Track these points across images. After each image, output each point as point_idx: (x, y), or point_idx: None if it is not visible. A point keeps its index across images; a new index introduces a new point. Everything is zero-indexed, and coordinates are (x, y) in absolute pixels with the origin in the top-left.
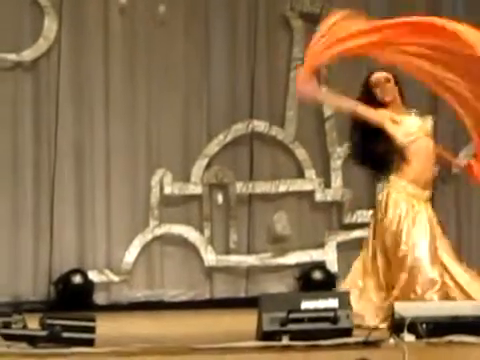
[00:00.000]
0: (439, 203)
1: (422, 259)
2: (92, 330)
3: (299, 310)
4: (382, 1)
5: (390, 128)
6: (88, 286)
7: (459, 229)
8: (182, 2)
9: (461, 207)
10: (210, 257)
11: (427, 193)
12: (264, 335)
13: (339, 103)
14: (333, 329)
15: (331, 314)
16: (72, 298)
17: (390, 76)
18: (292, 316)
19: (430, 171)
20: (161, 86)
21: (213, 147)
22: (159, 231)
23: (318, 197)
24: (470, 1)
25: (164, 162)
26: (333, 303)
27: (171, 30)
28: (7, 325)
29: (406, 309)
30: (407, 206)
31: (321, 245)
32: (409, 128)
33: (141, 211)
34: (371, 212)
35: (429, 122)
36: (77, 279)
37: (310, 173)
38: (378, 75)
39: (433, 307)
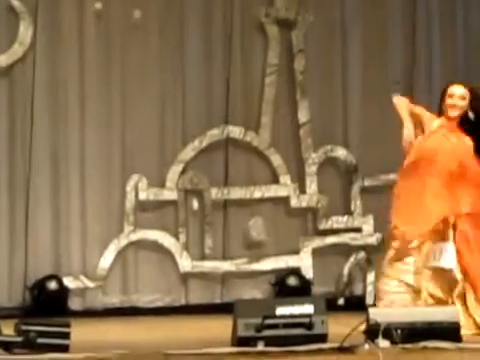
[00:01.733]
0: None
1: None
2: (67, 336)
3: (274, 316)
4: (356, 4)
5: None
6: (63, 292)
7: None
8: (157, 7)
9: None
10: (185, 263)
11: None
12: (239, 341)
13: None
14: (308, 335)
15: (306, 320)
16: (47, 304)
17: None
18: (267, 322)
19: None
20: (136, 91)
21: (188, 152)
22: (134, 237)
23: (293, 203)
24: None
25: (139, 167)
26: (308, 309)
27: (146, 35)
28: None
29: (381, 315)
30: None
31: (296, 251)
32: None
33: (116, 217)
34: None
35: None
36: (52, 285)
37: (285, 179)
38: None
39: (408, 313)
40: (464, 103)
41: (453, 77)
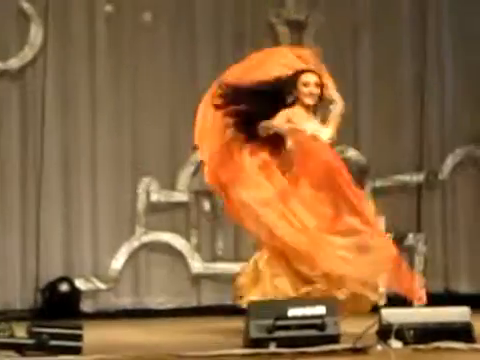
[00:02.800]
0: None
1: None
2: (79, 338)
3: (286, 317)
4: (367, 6)
5: None
6: (75, 294)
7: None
8: (168, 10)
9: (447, 215)
10: (197, 264)
11: None
12: (251, 342)
13: None
14: (320, 336)
15: (318, 321)
16: (59, 306)
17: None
18: (279, 323)
19: None
20: (147, 93)
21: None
22: (146, 238)
23: None
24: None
25: (150, 169)
26: (320, 310)
27: (157, 38)
28: None
29: (393, 315)
30: None
31: None
32: None
33: (128, 218)
34: None
35: None
36: (64, 287)
37: None
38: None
39: (420, 313)
40: (318, 91)
41: (465, 80)
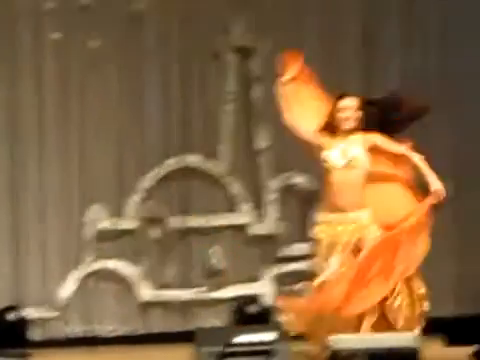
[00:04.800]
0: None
1: None
2: None
3: (235, 344)
4: (314, 34)
5: None
6: (23, 322)
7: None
8: (115, 36)
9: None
10: (146, 292)
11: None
12: None
13: None
14: None
15: (267, 347)
16: (7, 335)
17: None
18: (228, 350)
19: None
20: (94, 122)
21: (147, 182)
22: (94, 266)
23: (252, 231)
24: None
25: (98, 197)
26: (269, 336)
27: (104, 64)
28: None
29: (342, 341)
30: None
31: (256, 279)
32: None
33: (76, 246)
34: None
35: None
36: (11, 316)
37: (244, 207)
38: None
39: (368, 339)
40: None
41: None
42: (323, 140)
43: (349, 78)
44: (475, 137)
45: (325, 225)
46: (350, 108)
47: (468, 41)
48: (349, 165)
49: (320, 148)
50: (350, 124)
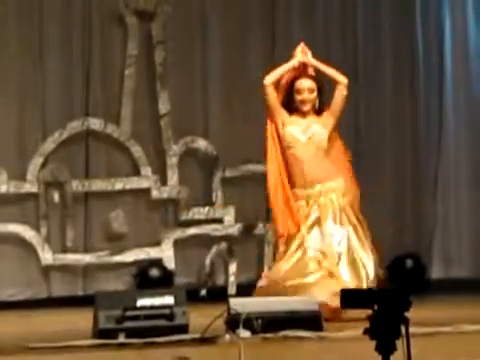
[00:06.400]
0: None
1: None
2: None
3: (135, 307)
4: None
5: None
6: None
7: None
8: (16, 1)
9: None
10: (47, 256)
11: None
12: (100, 333)
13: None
14: (169, 326)
15: (167, 311)
16: None
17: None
18: (128, 314)
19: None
20: None
21: (49, 145)
22: None
23: (154, 194)
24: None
25: None
26: (169, 300)
27: (4, 27)
28: None
29: (242, 305)
30: None
31: (158, 242)
32: None
33: None
34: None
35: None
36: None
37: (146, 171)
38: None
39: (268, 302)
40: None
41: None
42: (284, 115)
43: (253, 42)
44: None
45: (303, 200)
46: (307, 89)
47: None
48: (310, 141)
49: (282, 123)
50: (306, 107)
